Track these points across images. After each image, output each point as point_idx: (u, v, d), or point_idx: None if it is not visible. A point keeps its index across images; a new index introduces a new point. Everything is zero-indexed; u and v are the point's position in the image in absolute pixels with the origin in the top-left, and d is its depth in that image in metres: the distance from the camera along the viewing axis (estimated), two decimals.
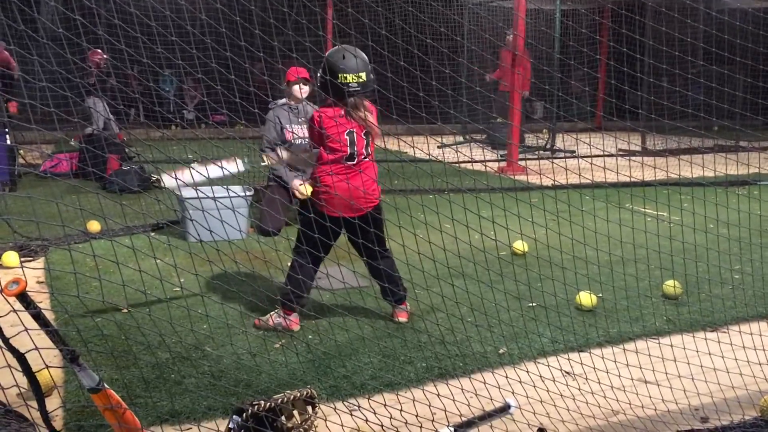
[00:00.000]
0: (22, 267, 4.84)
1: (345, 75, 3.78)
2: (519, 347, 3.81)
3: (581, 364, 3.38)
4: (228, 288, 4.10)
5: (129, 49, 2.85)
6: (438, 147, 10.88)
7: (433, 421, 2.84)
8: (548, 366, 3.38)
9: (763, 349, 3.55)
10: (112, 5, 3.11)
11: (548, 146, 12.11)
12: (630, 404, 3.16)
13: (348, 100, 3.84)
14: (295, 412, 2.69)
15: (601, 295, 4.52)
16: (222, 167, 4.27)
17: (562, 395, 3.14)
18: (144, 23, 2.85)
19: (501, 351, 3.80)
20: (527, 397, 3.08)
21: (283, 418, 2.62)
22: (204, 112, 12.63)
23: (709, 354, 3.40)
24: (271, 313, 4.10)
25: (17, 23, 2.58)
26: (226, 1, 3.19)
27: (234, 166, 4.93)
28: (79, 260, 5.26)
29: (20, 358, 2.28)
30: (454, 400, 2.93)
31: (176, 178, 3.85)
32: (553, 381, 3.24)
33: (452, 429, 2.83)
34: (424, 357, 3.65)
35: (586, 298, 4.41)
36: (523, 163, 10.44)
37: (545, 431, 2.93)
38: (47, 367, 2.36)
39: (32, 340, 2.15)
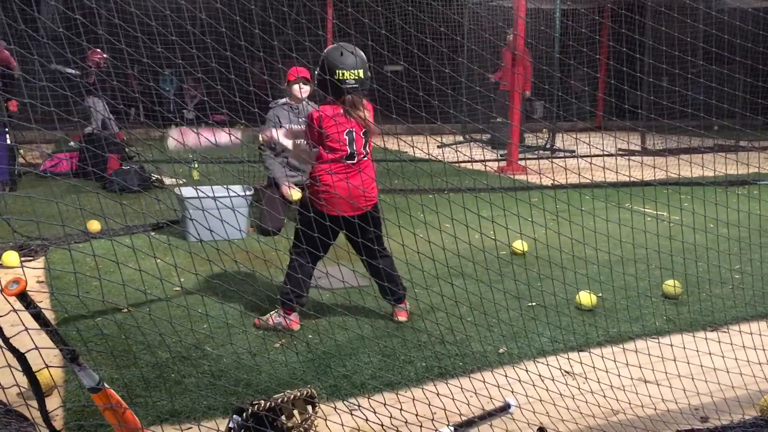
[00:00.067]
0: (22, 267, 4.85)
1: (342, 71, 3.79)
2: (519, 347, 3.81)
3: (581, 363, 3.38)
4: (228, 288, 4.10)
5: (129, 49, 2.85)
6: (438, 147, 10.90)
7: (433, 420, 2.84)
8: (548, 365, 3.38)
9: (763, 349, 3.55)
10: (113, 5, 3.11)
11: (548, 146, 12.11)
12: (630, 404, 3.16)
13: (345, 98, 3.84)
14: (296, 412, 2.69)
15: (601, 294, 4.52)
16: (230, 134, 4.25)
17: (561, 395, 3.14)
18: (144, 23, 2.85)
19: (501, 350, 3.80)
20: (527, 396, 3.08)
21: (283, 417, 2.62)
22: (204, 112, 12.62)
23: (709, 354, 3.40)
24: (271, 312, 4.10)
25: (18, 22, 2.58)
26: (226, 1, 3.19)
27: (236, 136, 4.89)
28: (79, 260, 5.26)
29: (20, 357, 2.28)
30: (454, 400, 2.93)
31: (181, 140, 3.83)
32: (553, 380, 3.24)
33: (452, 428, 2.83)
34: (424, 356, 3.65)
35: (586, 298, 4.41)
36: (522, 162, 10.44)
37: (545, 430, 2.93)
38: (47, 366, 2.36)
39: (32, 340, 2.15)
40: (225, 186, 4.25)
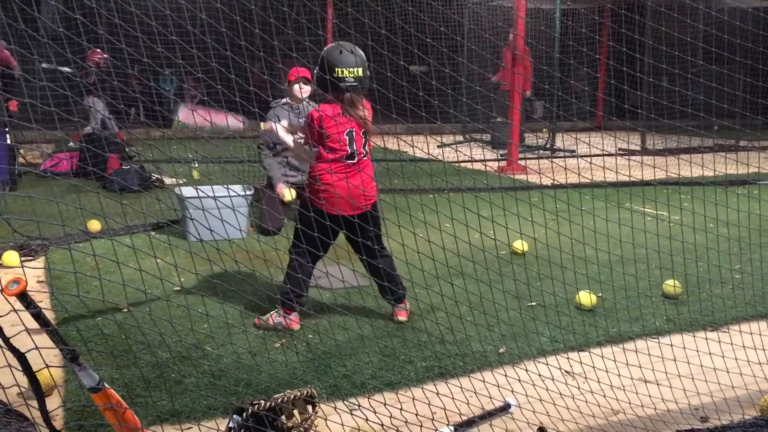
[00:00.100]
0: (22, 266, 4.85)
1: (341, 69, 3.80)
2: (519, 346, 3.81)
3: (581, 363, 3.38)
4: (228, 287, 4.10)
5: (129, 49, 2.85)
6: (438, 146, 10.89)
7: (433, 420, 2.84)
8: (548, 365, 3.38)
9: (763, 349, 3.55)
10: (113, 5, 3.11)
11: (548, 146, 12.11)
12: (630, 404, 3.16)
13: (344, 96, 3.84)
14: (296, 412, 2.69)
15: (601, 294, 4.52)
16: (237, 119, 4.26)
17: (561, 394, 3.14)
18: (144, 22, 2.85)
19: (501, 350, 3.80)
20: (527, 396, 3.08)
21: (283, 417, 2.62)
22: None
23: (709, 354, 3.40)
24: (271, 312, 4.10)
25: (18, 22, 2.58)
26: (226, 1, 3.19)
27: (241, 122, 4.89)
28: (79, 259, 5.26)
29: (20, 357, 2.28)
30: (454, 399, 2.93)
31: (191, 114, 3.83)
32: (553, 380, 3.24)
33: (452, 428, 2.83)
34: (424, 356, 3.65)
35: (586, 298, 4.41)
36: (522, 162, 10.44)
37: (545, 430, 2.93)
38: (47, 366, 2.36)
39: (32, 340, 2.15)
40: (225, 186, 4.25)
